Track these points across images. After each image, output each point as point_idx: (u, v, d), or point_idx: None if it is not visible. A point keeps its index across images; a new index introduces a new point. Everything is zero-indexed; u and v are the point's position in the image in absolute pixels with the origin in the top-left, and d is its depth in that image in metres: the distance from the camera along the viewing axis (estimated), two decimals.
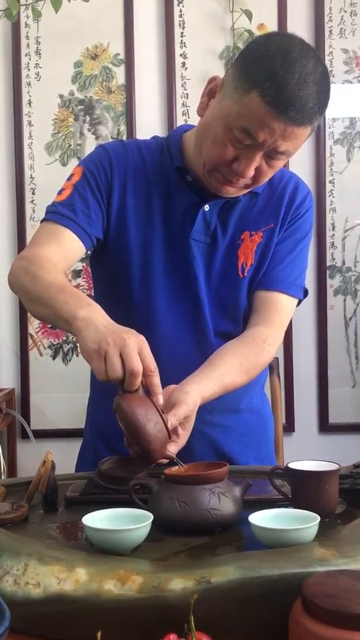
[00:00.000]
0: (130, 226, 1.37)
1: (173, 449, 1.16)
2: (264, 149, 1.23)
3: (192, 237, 1.37)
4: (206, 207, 1.37)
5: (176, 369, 1.27)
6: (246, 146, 1.23)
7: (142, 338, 1.10)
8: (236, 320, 1.42)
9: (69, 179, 1.40)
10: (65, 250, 1.32)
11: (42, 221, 1.38)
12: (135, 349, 1.07)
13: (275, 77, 1.17)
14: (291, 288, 1.42)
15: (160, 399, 1.13)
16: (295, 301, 1.45)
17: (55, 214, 1.35)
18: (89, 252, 1.44)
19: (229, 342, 1.37)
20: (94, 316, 1.12)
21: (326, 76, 1.22)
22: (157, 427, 1.09)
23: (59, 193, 1.39)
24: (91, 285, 2.35)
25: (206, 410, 1.31)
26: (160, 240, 1.37)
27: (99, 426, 1.49)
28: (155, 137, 1.48)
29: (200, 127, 1.34)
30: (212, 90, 1.29)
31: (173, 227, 1.38)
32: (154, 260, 1.38)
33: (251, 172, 1.26)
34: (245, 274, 1.40)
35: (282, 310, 1.41)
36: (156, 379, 1.11)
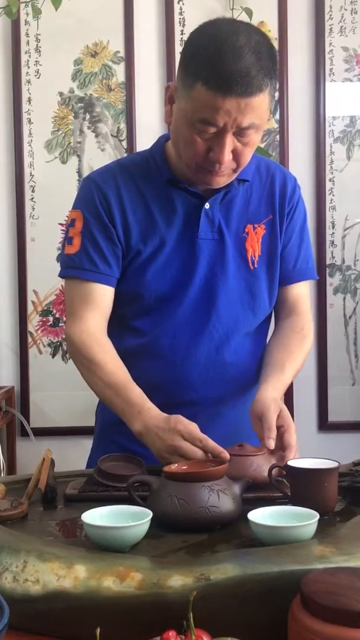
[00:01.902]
0: (138, 245, 1.40)
1: (291, 455, 1.22)
2: (229, 131, 1.25)
3: (199, 237, 1.41)
4: (207, 206, 1.40)
5: (197, 367, 1.41)
6: (213, 134, 1.25)
7: (188, 426, 1.23)
8: (254, 311, 1.46)
9: (72, 226, 1.43)
10: (101, 308, 1.41)
11: (63, 276, 1.45)
12: (186, 445, 1.21)
13: (211, 61, 1.20)
14: (308, 273, 1.53)
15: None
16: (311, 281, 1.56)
17: (76, 269, 1.41)
18: None
19: (273, 339, 1.49)
20: (146, 426, 1.27)
21: (264, 42, 1.24)
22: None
23: (69, 243, 1.43)
24: None
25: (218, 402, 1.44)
26: (170, 248, 1.40)
27: (108, 425, 1.50)
28: (138, 153, 1.52)
29: (171, 134, 1.38)
30: (171, 97, 1.33)
31: (179, 233, 1.41)
32: (167, 269, 1.40)
33: (228, 156, 1.28)
34: (256, 265, 1.44)
35: (306, 297, 1.55)
36: (210, 444, 1.21)
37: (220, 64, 1.19)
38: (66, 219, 2.73)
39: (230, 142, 1.26)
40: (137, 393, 1.32)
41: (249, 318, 1.46)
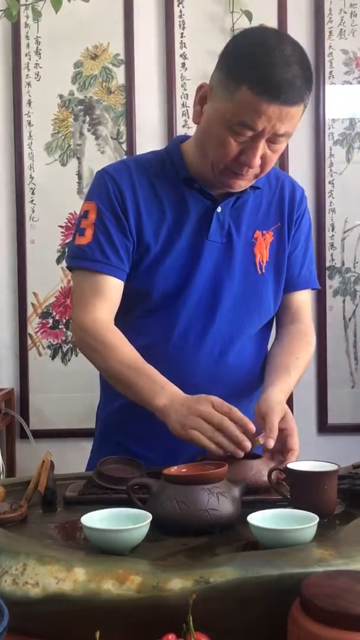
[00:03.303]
0: (149, 241, 1.40)
1: (293, 458, 1.23)
2: (265, 136, 1.27)
3: (209, 239, 1.42)
4: (219, 209, 1.42)
5: (201, 369, 1.41)
6: (248, 138, 1.27)
7: (211, 398, 1.23)
8: (259, 315, 1.47)
9: (84, 217, 1.42)
10: (111, 299, 1.40)
11: (73, 267, 1.43)
12: (224, 420, 1.20)
13: (259, 67, 1.22)
14: (311, 282, 1.56)
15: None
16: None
17: (87, 260, 1.39)
18: None
19: (277, 344, 1.50)
20: (172, 399, 1.26)
21: (304, 54, 1.29)
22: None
23: (80, 234, 1.41)
24: None
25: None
26: (180, 248, 1.41)
27: (110, 426, 1.50)
28: (153, 152, 1.51)
29: (199, 133, 1.38)
30: (202, 97, 1.34)
31: (190, 234, 1.41)
32: (175, 269, 1.41)
33: (258, 161, 1.30)
34: (263, 271, 1.46)
35: (308, 305, 1.58)
36: (237, 414, 1.23)
37: (269, 70, 1.22)
38: (66, 221, 2.76)
39: (262, 147, 1.29)
40: (157, 373, 1.31)
41: (254, 322, 1.47)
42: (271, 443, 1.22)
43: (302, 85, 1.25)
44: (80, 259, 1.41)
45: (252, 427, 1.20)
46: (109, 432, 1.51)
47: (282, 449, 1.25)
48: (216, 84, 1.29)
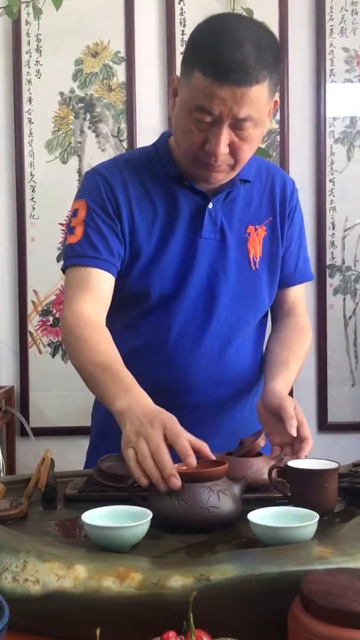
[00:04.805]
0: (142, 241, 1.39)
1: (308, 447, 1.23)
2: (225, 121, 1.24)
3: (202, 236, 1.40)
4: (210, 205, 1.40)
5: (200, 368, 1.40)
6: (209, 124, 1.25)
7: (166, 421, 1.10)
8: (255, 311, 1.46)
9: (74, 216, 1.40)
10: (100, 294, 1.35)
11: (66, 266, 1.39)
12: (160, 448, 1.07)
13: (209, 49, 1.21)
14: (307, 275, 1.56)
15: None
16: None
17: (77, 257, 1.36)
18: None
19: (274, 339, 1.50)
20: (130, 409, 1.14)
21: (267, 37, 1.24)
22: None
23: (71, 232, 1.39)
24: None
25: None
26: (173, 247, 1.39)
27: (105, 426, 1.50)
28: (141, 149, 1.50)
29: (172, 125, 1.37)
30: (174, 90, 1.33)
31: (183, 231, 1.40)
32: (169, 268, 1.39)
33: (223, 148, 1.27)
34: (257, 266, 1.44)
35: (303, 298, 1.57)
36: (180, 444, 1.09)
37: (218, 51, 1.20)
38: (66, 218, 2.76)
39: (226, 134, 1.25)
40: (127, 373, 1.22)
41: (250, 319, 1.46)
42: (294, 431, 1.22)
43: (257, 65, 1.20)
44: (70, 257, 1.38)
45: (207, 451, 1.11)
46: (106, 433, 1.50)
47: (292, 440, 1.25)
48: (180, 74, 1.29)
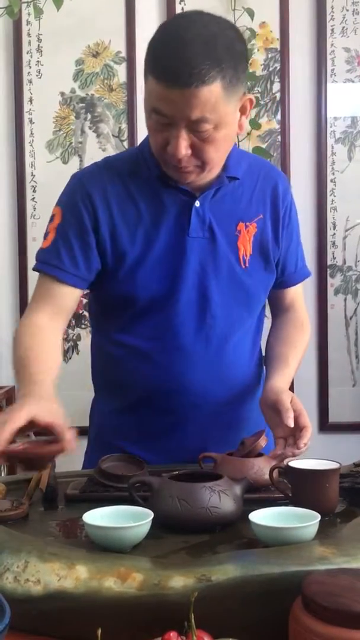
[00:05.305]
0: (126, 245, 1.38)
1: (308, 434, 1.28)
2: (180, 123, 1.23)
3: (190, 235, 1.38)
4: (197, 204, 1.38)
5: (197, 369, 1.40)
6: (166, 126, 1.25)
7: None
8: (248, 309, 1.46)
9: (51, 221, 1.42)
10: (59, 305, 1.38)
11: (34, 269, 1.42)
12: None
13: (157, 52, 1.22)
14: (305, 272, 1.58)
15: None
16: None
17: (43, 263, 1.40)
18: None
19: (273, 334, 1.53)
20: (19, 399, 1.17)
21: (223, 35, 1.21)
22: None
23: (45, 237, 1.42)
24: None
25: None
26: (160, 248, 1.38)
27: (102, 427, 1.50)
28: (127, 151, 1.52)
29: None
30: None
31: (170, 232, 1.39)
32: (158, 270, 1.38)
33: (184, 150, 1.25)
34: (247, 265, 1.42)
35: (301, 293, 1.59)
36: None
37: (165, 55, 1.20)
38: None
39: (184, 136, 1.24)
40: (39, 371, 1.25)
41: (244, 317, 1.45)
42: (290, 422, 1.27)
43: (204, 64, 1.17)
44: (38, 261, 1.41)
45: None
46: (103, 433, 1.50)
47: (294, 431, 1.28)
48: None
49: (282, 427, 1.29)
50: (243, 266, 1.42)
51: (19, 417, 1.08)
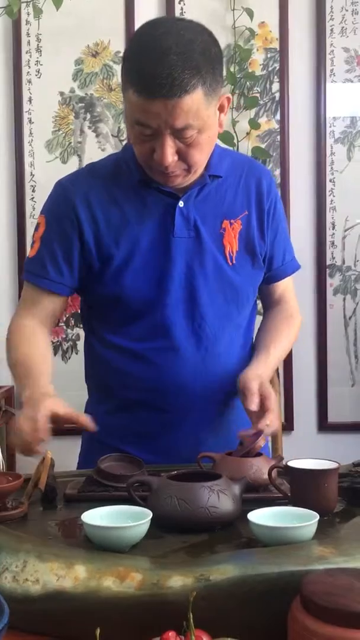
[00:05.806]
0: (111, 248, 1.39)
1: (270, 417, 1.30)
2: (164, 132, 1.24)
3: (175, 235, 1.39)
4: (181, 204, 1.39)
5: (190, 369, 1.40)
6: (150, 136, 1.26)
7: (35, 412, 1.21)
8: (237, 306, 1.46)
9: (36, 230, 1.45)
10: (44, 311, 1.44)
11: (23, 278, 1.48)
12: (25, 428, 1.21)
13: (136, 65, 1.22)
14: (294, 265, 1.58)
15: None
16: None
17: (29, 273, 1.45)
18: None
19: (261, 326, 1.55)
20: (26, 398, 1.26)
21: (198, 42, 1.22)
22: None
23: (31, 246, 1.46)
24: None
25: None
26: (145, 249, 1.39)
27: (101, 430, 1.50)
28: (110, 156, 1.51)
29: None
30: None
31: (154, 233, 1.40)
32: (145, 271, 1.39)
33: (170, 157, 1.27)
34: (234, 262, 1.44)
35: (291, 287, 1.60)
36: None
37: (143, 67, 1.21)
38: None
39: (170, 143, 1.26)
40: (38, 370, 1.33)
41: (233, 314, 1.46)
42: (253, 406, 1.31)
43: (182, 74, 1.19)
44: (25, 270, 1.46)
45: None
46: (98, 435, 1.50)
47: (260, 413, 1.31)
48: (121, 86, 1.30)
49: (256, 412, 1.32)
50: (230, 263, 1.43)
51: (44, 407, 1.20)
